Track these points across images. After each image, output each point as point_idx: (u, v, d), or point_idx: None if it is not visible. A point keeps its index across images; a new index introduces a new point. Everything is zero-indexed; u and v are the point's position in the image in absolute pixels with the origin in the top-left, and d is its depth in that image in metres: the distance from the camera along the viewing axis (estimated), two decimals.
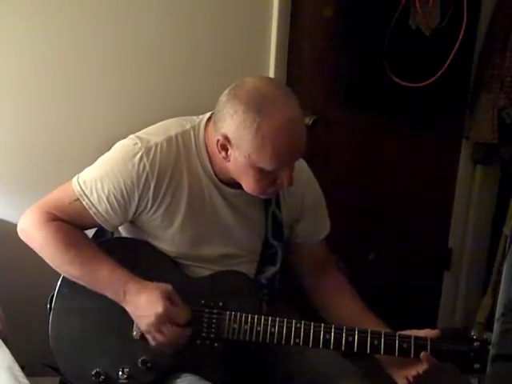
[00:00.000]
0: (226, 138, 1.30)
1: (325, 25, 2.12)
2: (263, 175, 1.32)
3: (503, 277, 1.04)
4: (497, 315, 1.01)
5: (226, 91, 1.32)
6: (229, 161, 1.34)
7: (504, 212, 2.32)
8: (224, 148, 1.32)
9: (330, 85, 2.16)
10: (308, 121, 2.11)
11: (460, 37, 2.08)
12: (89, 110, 1.94)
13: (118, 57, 1.92)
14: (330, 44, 2.12)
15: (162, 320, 1.30)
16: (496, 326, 1.01)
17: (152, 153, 1.37)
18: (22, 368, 1.29)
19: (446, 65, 2.10)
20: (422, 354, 1.31)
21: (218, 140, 1.31)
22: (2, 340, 1.41)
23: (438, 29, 2.11)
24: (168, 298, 1.31)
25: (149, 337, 1.33)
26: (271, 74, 2.03)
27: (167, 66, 1.97)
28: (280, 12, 2.01)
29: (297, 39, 2.09)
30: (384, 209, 2.33)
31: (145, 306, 1.31)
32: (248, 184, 1.35)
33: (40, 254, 1.39)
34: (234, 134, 1.28)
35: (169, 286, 1.33)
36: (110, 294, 1.35)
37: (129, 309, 1.34)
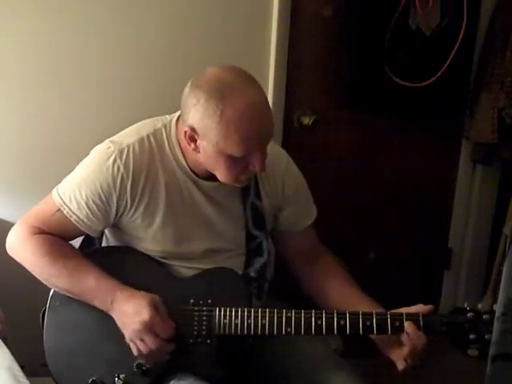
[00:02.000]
0: (193, 129, 1.31)
1: (325, 25, 2.12)
2: (234, 162, 1.32)
3: (503, 277, 1.05)
4: (497, 315, 1.01)
5: (189, 83, 1.34)
6: (199, 152, 1.35)
7: (504, 212, 2.32)
8: (192, 139, 1.33)
9: (330, 85, 2.16)
10: (308, 121, 2.11)
11: (460, 37, 2.09)
12: (90, 110, 1.94)
13: (118, 58, 1.92)
14: (330, 44, 2.12)
15: (147, 329, 1.30)
16: (496, 326, 1.01)
17: (125, 154, 1.38)
18: (22, 368, 1.29)
19: (446, 65, 2.10)
20: (407, 325, 1.31)
21: (186, 132, 1.33)
22: (2, 340, 1.41)
23: (438, 29, 2.12)
24: (155, 308, 1.31)
25: (132, 346, 1.33)
26: (271, 74, 2.03)
27: (167, 66, 1.97)
28: (280, 12, 2.01)
29: (297, 39, 2.09)
30: (384, 209, 2.33)
31: (131, 312, 1.31)
32: (221, 173, 1.36)
33: (29, 269, 1.40)
34: (199, 123, 1.29)
35: (157, 297, 1.33)
36: (97, 303, 1.35)
37: (115, 316, 1.34)
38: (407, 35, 2.10)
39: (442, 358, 1.46)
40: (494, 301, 2.21)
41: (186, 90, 1.33)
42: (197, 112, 1.29)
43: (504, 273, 1.05)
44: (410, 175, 2.37)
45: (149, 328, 1.30)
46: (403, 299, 2.30)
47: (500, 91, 2.18)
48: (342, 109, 2.20)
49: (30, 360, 1.42)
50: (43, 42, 1.86)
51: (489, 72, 2.21)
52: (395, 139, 2.33)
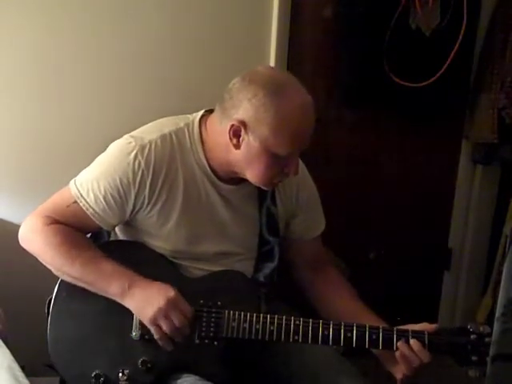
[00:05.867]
0: (242, 123, 1.31)
1: (325, 25, 2.12)
2: (275, 161, 1.33)
3: (503, 277, 1.04)
4: (497, 315, 1.01)
5: (236, 80, 1.34)
6: (238, 148, 1.34)
7: (504, 212, 2.32)
8: (236, 134, 1.33)
9: (329, 85, 2.16)
10: None
11: (460, 37, 2.09)
12: (91, 110, 1.94)
13: (119, 58, 1.93)
14: (330, 44, 2.13)
15: (172, 305, 1.30)
16: (496, 326, 1.01)
17: (147, 150, 1.37)
18: (22, 368, 1.29)
19: (445, 65, 2.10)
20: (413, 343, 1.31)
21: (232, 125, 1.32)
22: (2, 340, 1.41)
23: (437, 29, 2.11)
24: (177, 291, 1.32)
25: (153, 328, 1.33)
26: None
27: (168, 67, 1.97)
28: (280, 12, 2.01)
29: (297, 39, 2.09)
30: (384, 208, 2.33)
31: (154, 294, 1.31)
32: (257, 172, 1.35)
33: (40, 259, 1.39)
34: (252, 117, 1.30)
35: (172, 287, 1.34)
36: (111, 289, 1.33)
37: (132, 300, 1.33)
38: (407, 35, 2.10)
39: (442, 375, 1.48)
40: (494, 301, 2.22)
41: (235, 85, 1.33)
42: (251, 106, 1.29)
43: (504, 273, 1.05)
44: (409, 175, 2.37)
45: (174, 304, 1.30)
46: (403, 299, 2.31)
47: (500, 91, 2.18)
48: (342, 108, 2.20)
49: (30, 360, 1.42)
50: (44, 42, 1.86)
51: (489, 72, 2.21)
52: (395, 139, 2.33)
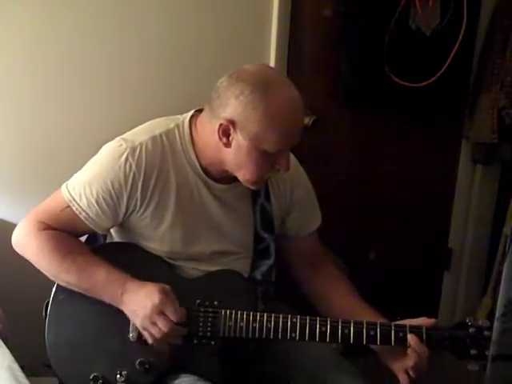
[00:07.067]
0: (231, 121, 1.30)
1: (325, 25, 2.12)
2: (265, 158, 1.33)
3: (503, 277, 1.04)
4: (497, 315, 1.01)
5: (224, 78, 1.34)
6: (229, 147, 1.34)
7: (504, 212, 2.32)
8: (226, 133, 1.32)
9: (329, 85, 2.16)
10: (308, 121, 2.11)
11: (460, 37, 2.09)
12: (92, 110, 1.94)
13: (121, 57, 1.93)
14: (330, 44, 2.12)
15: (157, 311, 1.30)
16: (496, 326, 1.01)
17: (137, 153, 1.37)
18: (22, 368, 1.29)
19: (445, 65, 2.10)
20: (410, 338, 1.31)
21: (221, 125, 1.31)
22: (2, 340, 1.41)
23: (437, 29, 2.12)
24: (165, 294, 1.32)
25: (145, 333, 1.33)
26: None
27: (167, 67, 1.97)
28: (280, 12, 2.01)
29: (297, 39, 2.09)
30: (384, 209, 2.33)
31: (142, 299, 1.31)
32: (247, 170, 1.35)
33: (36, 265, 1.39)
34: (240, 115, 1.29)
35: (166, 286, 1.34)
36: (107, 297, 1.35)
37: (125, 307, 1.34)
38: (407, 35, 2.10)
39: (442, 369, 1.47)
40: (494, 301, 2.22)
41: (223, 83, 1.33)
42: (239, 104, 1.29)
43: (504, 273, 1.05)
44: (409, 175, 2.37)
45: (159, 310, 1.30)
46: (403, 299, 2.31)
47: (500, 91, 2.18)
48: (342, 109, 2.20)
49: (30, 360, 1.42)
50: (46, 42, 1.87)
51: (489, 72, 2.21)
52: (395, 139, 2.33)
